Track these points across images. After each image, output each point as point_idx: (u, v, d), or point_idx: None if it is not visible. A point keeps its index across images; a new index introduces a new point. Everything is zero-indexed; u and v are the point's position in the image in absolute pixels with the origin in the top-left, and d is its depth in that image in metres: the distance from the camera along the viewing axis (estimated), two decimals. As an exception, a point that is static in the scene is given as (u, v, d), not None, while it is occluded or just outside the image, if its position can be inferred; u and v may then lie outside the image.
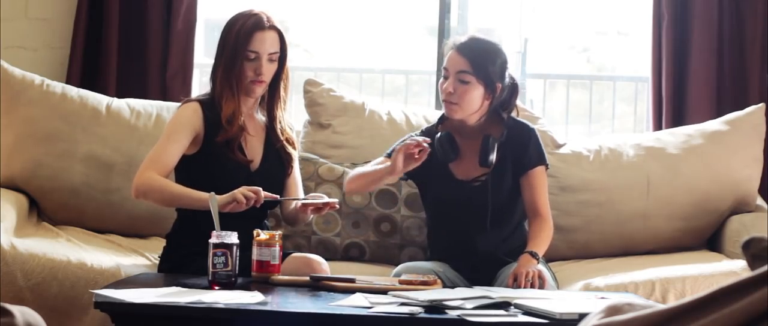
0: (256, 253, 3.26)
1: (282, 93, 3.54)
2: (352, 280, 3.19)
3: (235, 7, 3.60)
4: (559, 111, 5.57)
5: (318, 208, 3.41)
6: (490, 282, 3.44)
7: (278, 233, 3.31)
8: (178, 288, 3.05)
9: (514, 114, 3.62)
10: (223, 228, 3.16)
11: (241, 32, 3.45)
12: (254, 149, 3.53)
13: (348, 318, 2.86)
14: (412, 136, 3.63)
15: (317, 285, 3.19)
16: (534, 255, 3.40)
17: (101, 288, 3.05)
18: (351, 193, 3.79)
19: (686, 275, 3.51)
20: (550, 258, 3.70)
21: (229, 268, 3.10)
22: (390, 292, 3.07)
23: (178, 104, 3.58)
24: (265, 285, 3.19)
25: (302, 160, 3.97)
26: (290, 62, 3.57)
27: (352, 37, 5.65)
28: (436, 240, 3.66)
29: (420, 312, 2.85)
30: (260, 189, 3.28)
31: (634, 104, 5.43)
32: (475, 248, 3.54)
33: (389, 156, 3.57)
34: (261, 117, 3.59)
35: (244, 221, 3.30)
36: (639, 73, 5.17)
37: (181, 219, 3.53)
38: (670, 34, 4.48)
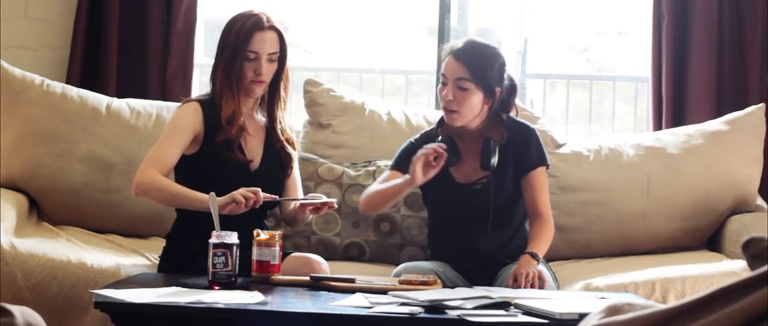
0: (256, 253, 3.26)
1: (282, 93, 3.55)
2: (352, 280, 3.19)
3: (235, 7, 3.60)
4: (559, 111, 5.57)
5: (316, 208, 3.41)
6: (490, 282, 3.43)
7: (278, 233, 3.31)
8: (178, 288, 3.06)
9: (513, 113, 3.61)
10: (223, 228, 3.16)
11: (240, 32, 3.45)
12: (254, 149, 3.53)
13: (348, 318, 2.86)
14: (411, 141, 3.63)
15: (317, 285, 3.19)
16: (534, 256, 3.40)
17: (101, 288, 3.05)
18: (368, 213, 3.77)
19: (686, 275, 3.51)
20: (550, 257, 3.70)
21: (229, 268, 3.10)
22: (390, 292, 3.07)
23: (178, 104, 3.58)
24: (265, 285, 3.19)
25: (302, 159, 3.97)
26: (290, 62, 3.57)
27: (352, 37, 5.65)
28: (437, 240, 3.66)
29: (420, 312, 2.86)
30: (259, 190, 3.28)
31: (634, 104, 5.43)
32: (477, 250, 3.53)
33: (395, 168, 3.57)
34: (261, 117, 3.59)
35: (244, 221, 3.30)
36: (639, 73, 5.17)
37: (180, 219, 3.53)
38: (670, 34, 4.48)
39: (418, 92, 5.72)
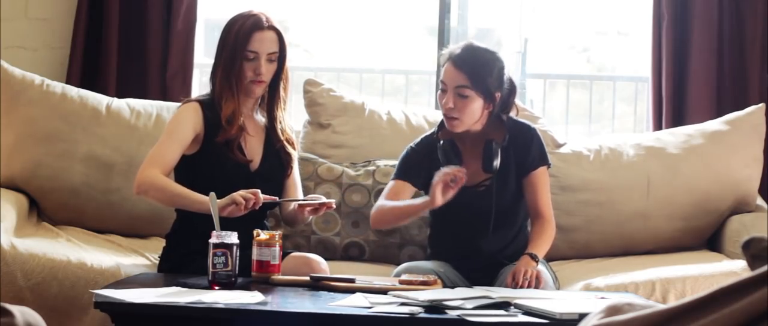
0: (256, 253, 3.26)
1: (282, 93, 3.55)
2: (352, 280, 3.19)
3: (235, 7, 3.60)
4: (559, 111, 5.57)
5: (315, 209, 3.41)
6: (491, 283, 3.43)
7: (278, 233, 3.31)
8: (178, 288, 3.06)
9: (513, 113, 3.60)
10: (223, 228, 3.16)
11: (240, 32, 3.46)
12: (254, 149, 3.53)
13: (348, 318, 2.87)
14: (412, 147, 3.62)
15: (317, 285, 3.19)
16: (533, 257, 3.39)
17: (101, 288, 3.05)
18: (379, 228, 3.77)
19: (686, 275, 3.51)
20: (550, 257, 3.70)
21: (229, 268, 3.10)
22: (390, 292, 3.07)
23: (178, 104, 3.59)
24: (265, 285, 3.19)
25: (302, 159, 3.97)
26: (290, 62, 3.57)
27: (352, 37, 5.65)
28: (438, 241, 3.65)
29: (420, 312, 2.86)
30: (259, 191, 3.28)
31: (634, 104, 5.43)
32: (479, 250, 3.53)
33: (399, 178, 3.56)
34: (261, 117, 3.59)
35: (244, 221, 3.30)
36: (639, 73, 5.16)
37: (180, 219, 3.53)
38: (670, 34, 4.48)
39: (418, 92, 5.72)
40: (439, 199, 3.30)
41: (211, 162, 3.47)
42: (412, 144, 3.65)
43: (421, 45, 5.57)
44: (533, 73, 5.30)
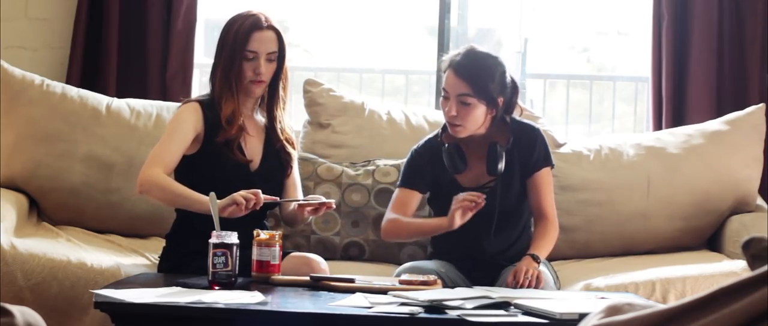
0: (256, 253, 3.26)
1: (281, 93, 3.55)
2: (351, 280, 3.19)
3: (235, 7, 3.60)
4: (559, 111, 5.56)
5: (315, 209, 3.41)
6: (492, 283, 3.43)
7: (278, 233, 3.31)
8: (178, 288, 3.06)
9: (517, 113, 3.60)
10: (223, 227, 3.16)
11: (239, 32, 3.46)
12: (254, 149, 3.53)
13: (348, 318, 2.87)
14: (416, 150, 3.61)
15: (317, 285, 3.19)
16: (535, 257, 3.39)
17: (101, 288, 3.05)
18: (390, 240, 3.78)
19: (686, 275, 3.51)
20: (550, 257, 3.70)
21: (229, 268, 3.10)
22: (390, 292, 3.07)
23: (178, 104, 3.59)
24: (265, 285, 3.19)
25: (301, 159, 3.97)
26: (290, 62, 3.57)
27: (352, 37, 5.65)
28: (441, 240, 3.64)
29: (420, 312, 2.86)
30: (259, 191, 3.28)
31: (634, 104, 5.43)
32: (481, 251, 3.53)
33: (406, 186, 3.56)
34: (261, 117, 3.59)
35: (244, 221, 3.30)
36: (639, 73, 5.16)
37: (180, 219, 3.53)
38: (670, 34, 4.48)
39: (418, 92, 5.72)
40: (458, 223, 3.33)
41: (211, 162, 3.47)
42: (416, 147, 3.65)
43: (421, 45, 5.57)
44: (533, 73, 5.30)
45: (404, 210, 3.55)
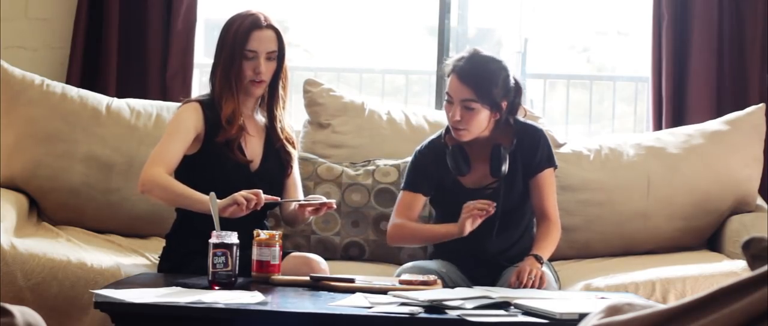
0: (256, 253, 3.26)
1: (281, 92, 3.55)
2: (351, 280, 3.19)
3: (235, 7, 3.61)
4: (559, 111, 5.56)
5: (316, 209, 3.41)
6: (493, 283, 3.43)
7: (278, 233, 3.31)
8: (178, 288, 3.06)
9: (520, 114, 3.59)
10: (223, 227, 3.16)
11: (238, 32, 3.46)
12: (254, 149, 3.53)
13: (348, 318, 2.87)
14: (420, 151, 3.61)
15: (317, 285, 3.19)
16: (538, 258, 3.40)
17: (101, 288, 3.05)
18: (396, 245, 3.78)
19: (686, 275, 3.51)
20: (550, 257, 3.70)
21: (229, 268, 3.10)
22: (390, 292, 3.07)
23: (178, 104, 3.59)
24: (265, 285, 3.19)
25: (301, 159, 3.97)
26: (290, 62, 3.57)
27: (352, 37, 5.65)
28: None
29: (420, 312, 2.86)
30: (260, 192, 3.28)
31: (634, 104, 5.43)
32: (484, 251, 3.53)
33: (410, 189, 3.56)
34: (261, 117, 3.60)
35: (244, 221, 3.30)
36: (639, 73, 5.16)
37: (180, 219, 3.53)
38: (670, 34, 4.48)
39: (418, 92, 5.72)
40: (468, 230, 3.35)
41: (211, 162, 3.47)
42: (419, 147, 3.65)
43: (421, 45, 5.57)
44: (533, 73, 5.29)
45: (409, 214, 3.56)
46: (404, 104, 5.24)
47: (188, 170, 3.47)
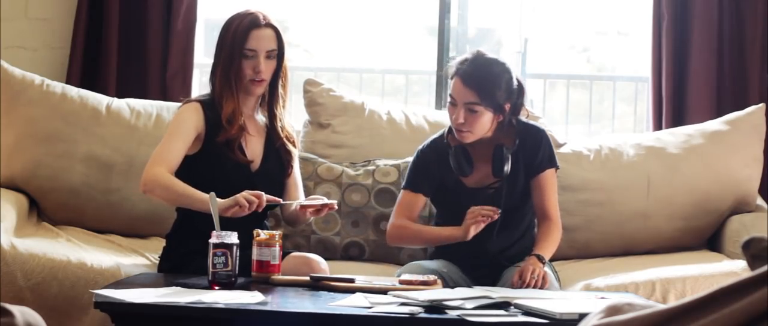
0: (256, 253, 3.26)
1: (281, 91, 3.55)
2: (351, 280, 3.19)
3: (235, 7, 3.61)
4: (559, 111, 5.56)
5: (317, 210, 3.41)
6: (494, 283, 3.43)
7: (278, 233, 3.31)
8: (178, 288, 3.06)
9: (523, 114, 3.60)
10: (223, 227, 3.16)
11: (237, 31, 3.46)
12: (255, 149, 3.53)
13: (348, 318, 2.87)
14: (422, 150, 3.61)
15: (317, 285, 3.19)
16: (540, 258, 3.40)
17: (101, 288, 3.05)
18: (396, 245, 3.79)
19: (686, 275, 3.51)
20: (551, 257, 3.70)
21: (229, 268, 3.10)
22: (390, 292, 3.07)
23: (179, 104, 3.59)
24: (265, 285, 3.19)
25: (301, 159, 3.97)
26: (290, 62, 3.57)
27: (352, 37, 5.65)
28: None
29: (420, 312, 2.86)
30: (262, 193, 3.28)
31: (634, 104, 5.43)
32: (484, 251, 3.53)
33: (411, 188, 3.57)
34: (261, 117, 3.60)
35: (245, 221, 3.30)
36: (639, 73, 5.16)
37: (180, 219, 3.53)
38: (670, 34, 4.48)
39: (418, 92, 5.72)
40: (472, 235, 3.37)
41: (211, 162, 3.47)
42: (421, 147, 3.65)
43: (421, 45, 5.57)
44: (533, 73, 5.29)
45: (409, 214, 3.56)
46: (404, 104, 5.24)
47: (189, 170, 3.47)
